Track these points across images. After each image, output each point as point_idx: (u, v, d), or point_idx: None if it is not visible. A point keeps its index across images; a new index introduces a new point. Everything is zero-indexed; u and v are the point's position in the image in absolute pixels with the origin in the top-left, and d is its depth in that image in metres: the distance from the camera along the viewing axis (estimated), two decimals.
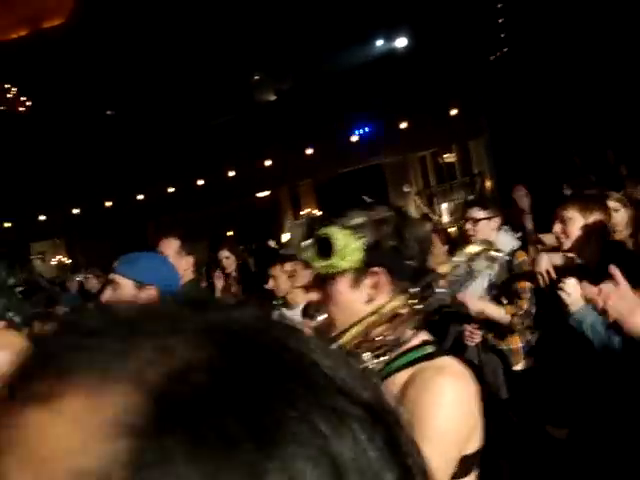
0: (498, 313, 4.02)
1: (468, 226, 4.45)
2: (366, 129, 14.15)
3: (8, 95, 13.02)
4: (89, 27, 12.00)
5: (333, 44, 13.20)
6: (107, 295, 2.87)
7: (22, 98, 13.18)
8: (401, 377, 1.56)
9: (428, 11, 12.13)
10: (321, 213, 16.39)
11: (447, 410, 1.46)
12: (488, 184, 13.54)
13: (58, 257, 18.71)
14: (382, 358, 1.62)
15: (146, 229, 17.57)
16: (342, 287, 1.60)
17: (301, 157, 14.23)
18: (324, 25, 12.32)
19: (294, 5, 11.88)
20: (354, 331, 1.54)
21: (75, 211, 16.19)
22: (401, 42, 14.40)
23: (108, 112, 15.81)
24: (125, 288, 2.84)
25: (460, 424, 1.48)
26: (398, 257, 1.58)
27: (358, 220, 1.62)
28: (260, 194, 17.62)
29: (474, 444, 1.50)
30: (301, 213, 17.59)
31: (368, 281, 1.57)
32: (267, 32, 12.45)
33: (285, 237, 16.49)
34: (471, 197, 13.76)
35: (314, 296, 1.67)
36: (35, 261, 18.72)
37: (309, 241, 1.62)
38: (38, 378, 0.48)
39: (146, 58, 12.58)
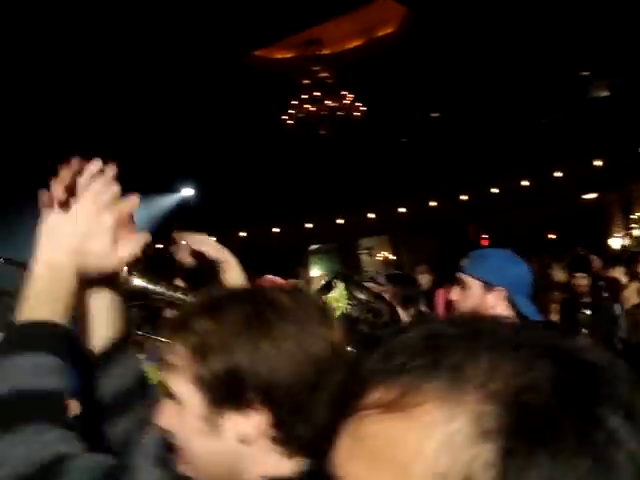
0: None
1: None
2: None
3: (345, 101, 13.93)
4: (418, 34, 12.38)
5: None
6: (455, 295, 2.83)
7: (357, 104, 14.01)
8: None
9: None
10: None
11: None
12: None
13: (383, 253, 19.63)
14: None
15: (466, 228, 17.72)
16: None
17: (635, 158, 13.24)
18: None
19: None
20: None
21: (401, 210, 16.84)
22: None
23: (433, 114, 16.19)
24: (473, 289, 2.76)
25: None
26: None
27: None
28: (586, 196, 16.77)
29: None
30: (631, 217, 16.41)
31: None
32: (597, 26, 11.80)
33: (613, 242, 15.51)
34: None
35: None
36: (362, 256, 19.84)
37: None
38: (387, 386, 0.55)
39: (474, 59, 12.65)
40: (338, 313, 1.85)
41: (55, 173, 1.39)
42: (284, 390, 1.13)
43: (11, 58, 10.10)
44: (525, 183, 15.63)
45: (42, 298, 1.32)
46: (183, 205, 16.97)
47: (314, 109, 13.85)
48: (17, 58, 10.16)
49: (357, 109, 13.95)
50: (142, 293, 1.73)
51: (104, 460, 1.18)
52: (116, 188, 1.43)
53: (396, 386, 0.54)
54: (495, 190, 16.11)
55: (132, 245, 1.45)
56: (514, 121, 14.55)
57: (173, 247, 2.54)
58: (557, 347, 0.57)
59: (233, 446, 1.15)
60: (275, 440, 1.15)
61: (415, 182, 15.67)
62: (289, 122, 14.03)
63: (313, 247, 19.70)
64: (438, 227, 17.14)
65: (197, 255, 2.47)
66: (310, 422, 1.14)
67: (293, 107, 14.03)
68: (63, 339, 1.30)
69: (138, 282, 1.66)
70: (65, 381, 1.26)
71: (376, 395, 0.56)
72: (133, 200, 1.47)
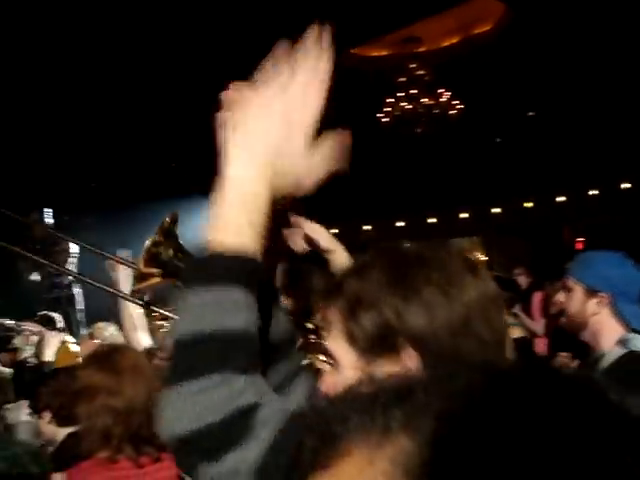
0: None
1: None
2: None
3: (441, 99, 13.87)
4: (515, 31, 12.21)
5: None
6: (561, 297, 2.77)
7: (454, 102, 13.92)
8: None
9: None
10: None
11: None
12: None
13: (474, 253, 19.39)
14: None
15: (562, 231, 17.32)
16: None
17: None
18: None
19: None
20: None
21: (495, 210, 16.61)
22: None
23: (529, 113, 15.89)
24: (576, 293, 2.68)
25: None
26: None
27: None
28: None
29: None
30: None
31: None
32: None
33: None
34: None
35: None
36: None
37: None
38: (318, 452, 0.53)
39: (572, 57, 12.39)
40: None
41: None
42: (431, 335, 1.18)
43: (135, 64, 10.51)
44: (626, 185, 15.16)
45: (232, 223, 1.19)
46: None
47: (410, 107, 13.83)
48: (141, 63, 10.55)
49: (453, 107, 13.85)
50: None
51: (289, 408, 1.15)
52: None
53: (329, 447, 0.53)
54: (594, 192, 15.70)
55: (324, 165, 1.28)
56: (614, 120, 14.14)
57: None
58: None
59: None
60: None
61: (510, 182, 15.43)
62: (385, 120, 14.05)
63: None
64: (532, 229, 16.83)
65: (309, 242, 2.60)
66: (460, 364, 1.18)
67: (389, 105, 14.05)
68: (255, 272, 1.18)
69: None
70: (255, 319, 1.16)
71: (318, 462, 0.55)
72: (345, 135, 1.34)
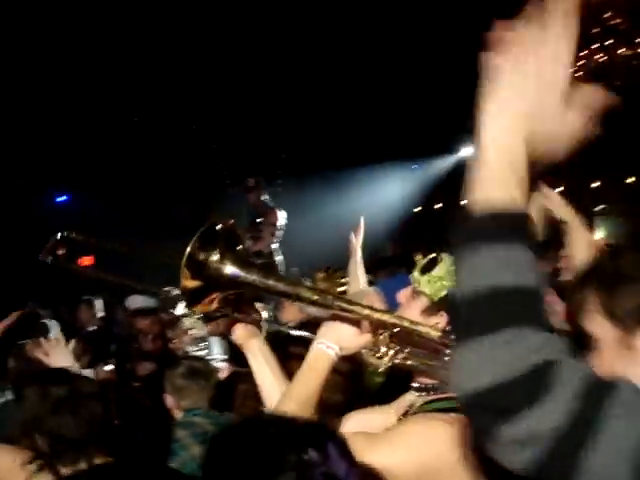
0: None
1: None
2: None
3: None
4: None
5: None
6: None
7: None
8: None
9: None
10: None
11: None
12: None
13: None
14: (423, 394, 2.16)
15: None
16: None
17: None
18: None
19: None
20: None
21: (629, 180, 15.63)
22: None
23: None
24: None
25: None
26: None
27: None
28: None
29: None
30: None
31: None
32: None
33: None
34: None
35: None
36: None
37: None
38: None
39: None
40: (443, 293, 2.05)
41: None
42: None
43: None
44: None
45: (496, 184, 1.11)
46: (460, 166, 16.83)
47: (606, 58, 13.08)
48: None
49: None
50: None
51: (589, 371, 1.08)
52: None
53: None
54: None
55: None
56: None
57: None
58: None
59: None
60: None
61: None
62: (579, 74, 13.33)
63: (599, 208, 18.78)
64: None
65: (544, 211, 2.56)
66: None
67: (583, 58, 13.35)
68: (528, 227, 1.11)
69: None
70: (540, 277, 1.09)
71: None
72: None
